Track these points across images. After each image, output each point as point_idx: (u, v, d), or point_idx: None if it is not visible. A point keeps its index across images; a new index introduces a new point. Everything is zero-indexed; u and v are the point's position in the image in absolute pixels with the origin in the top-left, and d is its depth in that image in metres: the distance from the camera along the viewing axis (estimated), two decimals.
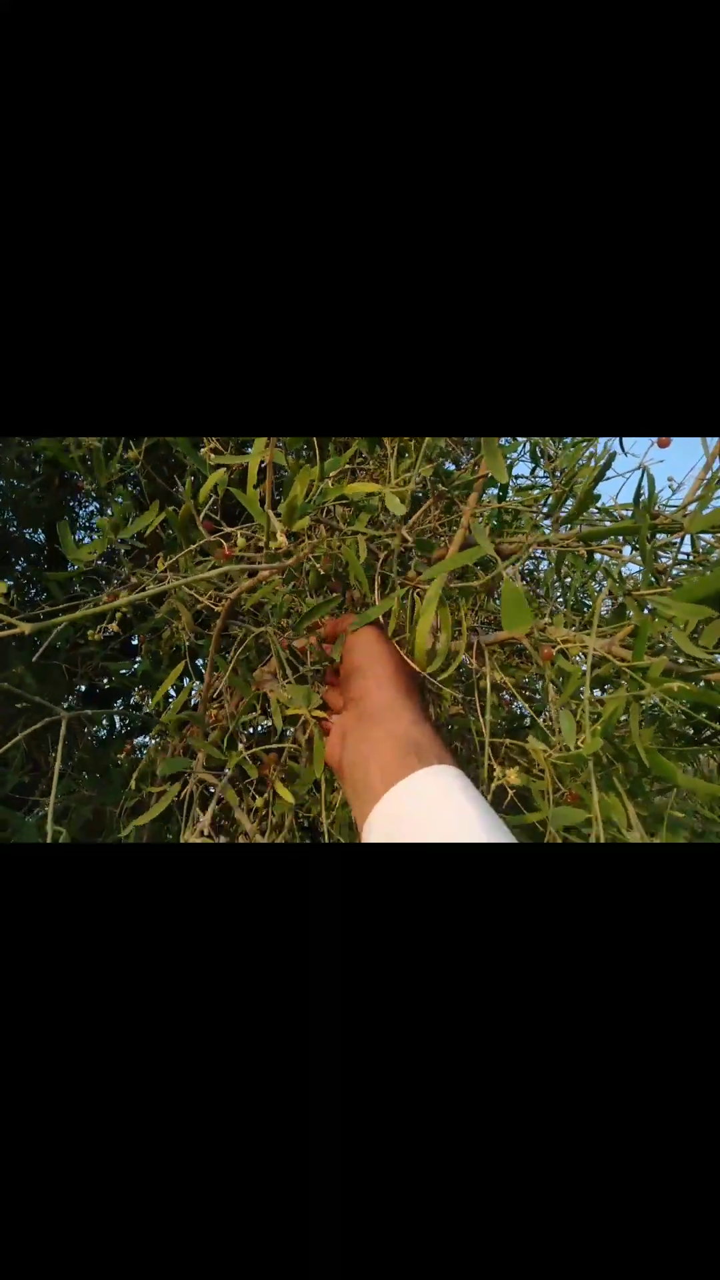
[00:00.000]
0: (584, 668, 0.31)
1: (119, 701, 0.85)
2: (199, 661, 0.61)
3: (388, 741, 0.35)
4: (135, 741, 0.74)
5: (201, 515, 0.41)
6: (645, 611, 0.32)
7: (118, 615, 0.44)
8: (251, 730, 0.49)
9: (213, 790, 0.38)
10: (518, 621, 0.32)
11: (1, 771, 0.74)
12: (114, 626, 0.44)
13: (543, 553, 0.52)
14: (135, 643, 0.81)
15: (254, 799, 0.39)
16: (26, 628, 0.25)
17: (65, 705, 0.80)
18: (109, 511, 0.46)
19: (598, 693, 0.38)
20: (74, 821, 0.70)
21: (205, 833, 0.32)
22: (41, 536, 0.97)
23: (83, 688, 0.89)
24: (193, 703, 0.51)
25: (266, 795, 0.41)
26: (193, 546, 0.40)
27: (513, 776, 0.45)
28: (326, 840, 0.43)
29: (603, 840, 0.34)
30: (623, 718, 0.34)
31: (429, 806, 0.33)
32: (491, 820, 0.33)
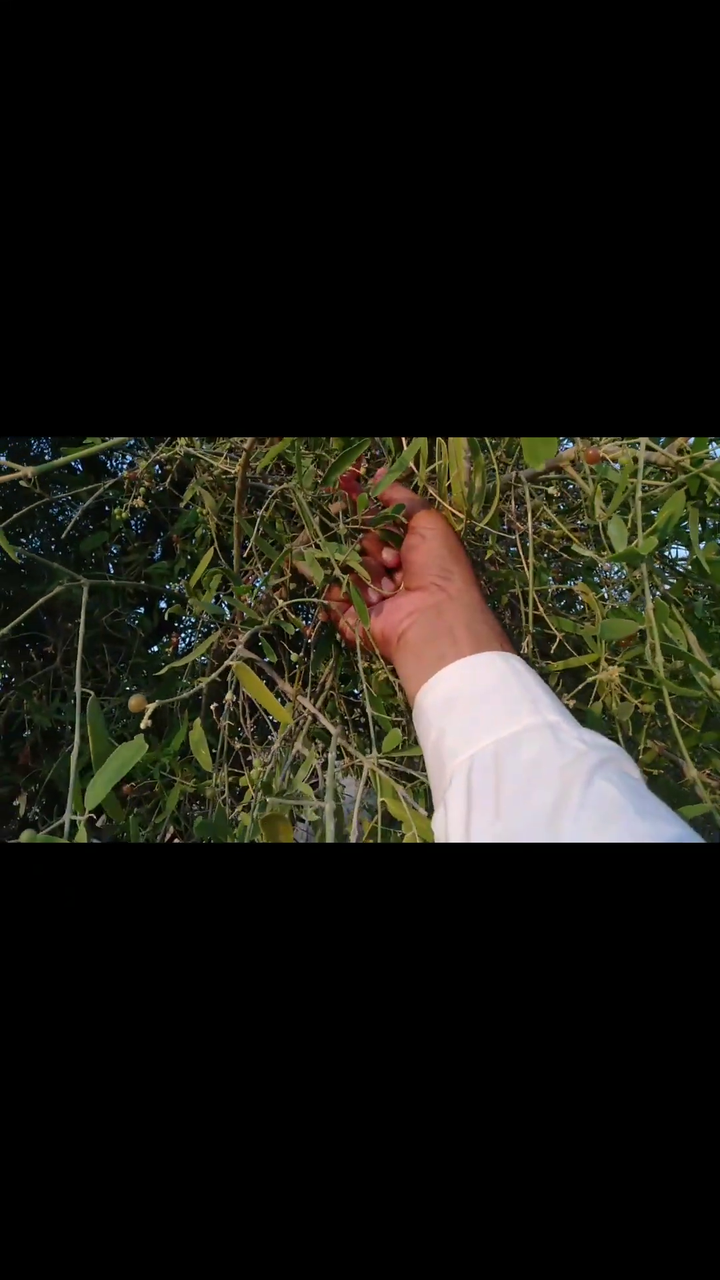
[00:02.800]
0: (636, 469, 0.27)
1: (162, 602, 0.86)
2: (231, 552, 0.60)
3: (461, 623, 0.35)
4: (180, 636, 0.75)
5: None
6: None
7: (139, 490, 0.43)
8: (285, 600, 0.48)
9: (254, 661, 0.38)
10: (540, 452, 0.29)
11: (68, 678, 0.78)
12: (138, 502, 0.43)
13: None
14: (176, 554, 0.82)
15: (290, 657, 0.39)
16: (29, 471, 0.24)
17: (112, 615, 0.82)
18: None
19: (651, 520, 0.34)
20: (136, 719, 0.72)
21: (240, 656, 0.31)
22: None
23: (142, 610, 0.91)
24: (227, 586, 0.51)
25: (302, 655, 0.40)
26: None
27: (565, 625, 0.42)
28: (369, 707, 0.42)
29: (661, 666, 0.31)
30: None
31: (498, 679, 0.32)
32: (558, 704, 0.32)
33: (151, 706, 0.26)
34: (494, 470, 0.39)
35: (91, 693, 0.27)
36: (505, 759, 0.28)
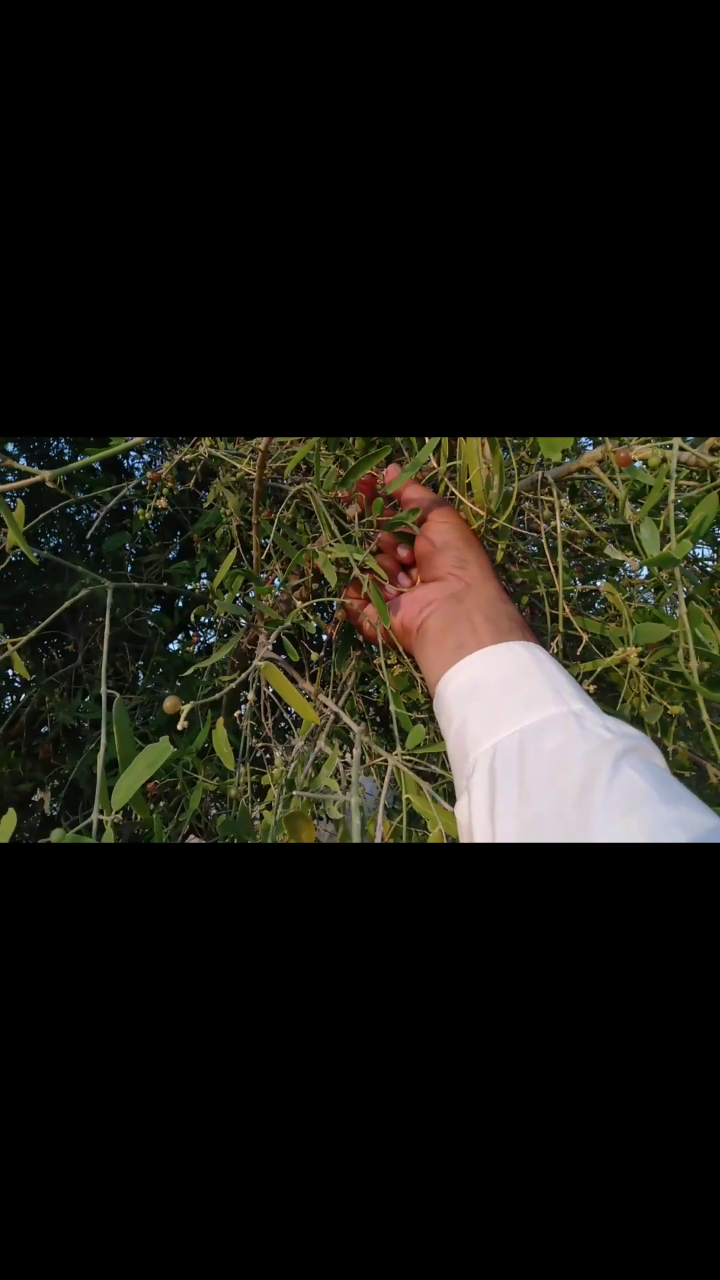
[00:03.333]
0: (670, 470, 0.26)
1: (180, 601, 0.87)
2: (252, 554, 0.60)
3: (479, 611, 0.35)
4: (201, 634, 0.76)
5: None
6: None
7: (163, 491, 0.43)
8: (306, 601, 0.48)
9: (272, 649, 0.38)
10: (556, 442, 0.28)
11: (89, 676, 0.79)
12: (161, 503, 0.43)
13: None
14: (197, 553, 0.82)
15: (310, 655, 0.39)
16: (46, 475, 0.24)
17: (134, 614, 0.83)
18: None
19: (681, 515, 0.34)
20: (161, 717, 0.73)
21: (268, 651, 0.32)
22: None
23: (158, 607, 0.92)
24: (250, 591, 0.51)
25: (322, 654, 0.40)
26: None
27: (591, 624, 0.41)
28: (391, 704, 0.42)
29: (695, 670, 0.31)
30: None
31: (520, 667, 0.32)
32: (582, 693, 0.31)
33: (186, 707, 0.27)
34: (513, 472, 0.39)
35: (117, 694, 0.27)
36: (529, 747, 0.28)
